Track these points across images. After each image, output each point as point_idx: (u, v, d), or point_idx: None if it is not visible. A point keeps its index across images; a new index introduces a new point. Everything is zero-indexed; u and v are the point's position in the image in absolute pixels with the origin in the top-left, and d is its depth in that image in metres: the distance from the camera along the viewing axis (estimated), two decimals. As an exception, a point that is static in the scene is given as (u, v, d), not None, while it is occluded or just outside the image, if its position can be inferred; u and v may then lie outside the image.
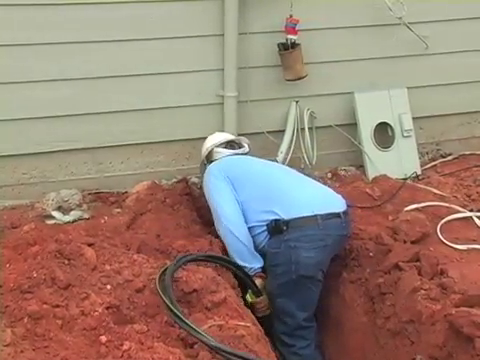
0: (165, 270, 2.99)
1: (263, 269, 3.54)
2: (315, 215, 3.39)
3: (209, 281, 3.02)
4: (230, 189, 3.55)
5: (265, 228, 3.46)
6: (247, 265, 3.49)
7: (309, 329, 3.51)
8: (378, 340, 3.31)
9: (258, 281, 3.51)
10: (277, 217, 3.41)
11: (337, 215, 3.46)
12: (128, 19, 3.96)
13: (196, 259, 3.23)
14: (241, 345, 2.71)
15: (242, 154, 3.88)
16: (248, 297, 3.48)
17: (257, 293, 3.49)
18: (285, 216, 3.39)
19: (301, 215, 3.39)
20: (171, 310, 2.76)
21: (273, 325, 3.50)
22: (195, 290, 2.99)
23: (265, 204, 3.47)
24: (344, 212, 3.51)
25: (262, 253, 3.52)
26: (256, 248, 3.52)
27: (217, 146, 3.87)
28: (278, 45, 4.16)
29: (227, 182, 3.57)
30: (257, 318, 3.32)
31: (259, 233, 3.49)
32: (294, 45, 4.13)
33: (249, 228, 3.50)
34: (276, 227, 3.40)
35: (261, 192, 3.52)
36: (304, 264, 3.34)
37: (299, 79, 4.24)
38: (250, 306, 3.44)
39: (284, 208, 3.42)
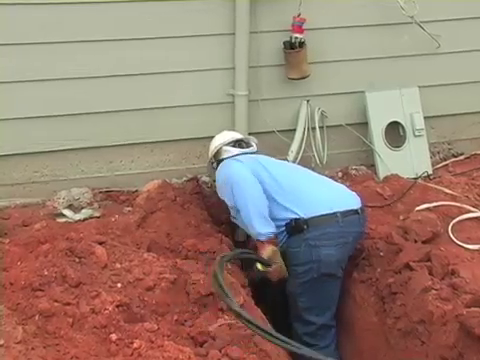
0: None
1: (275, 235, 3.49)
2: (334, 212, 3.38)
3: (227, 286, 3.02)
4: (251, 172, 3.50)
5: (284, 228, 3.44)
6: (260, 227, 3.41)
7: (331, 329, 3.51)
8: (388, 340, 3.29)
9: (270, 247, 3.41)
10: (296, 216, 3.39)
11: (355, 212, 3.46)
12: (139, 17, 3.96)
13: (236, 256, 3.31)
14: (251, 344, 2.72)
15: (250, 153, 3.86)
16: (259, 267, 3.44)
17: (265, 264, 3.43)
18: (304, 215, 3.38)
19: (320, 213, 3.38)
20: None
21: (289, 314, 3.50)
22: (212, 293, 3.00)
23: (283, 203, 3.45)
24: (361, 209, 3.50)
25: (281, 252, 3.48)
26: None
27: (226, 145, 3.85)
28: (284, 43, 4.14)
29: (248, 168, 3.53)
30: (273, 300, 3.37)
31: (278, 233, 3.46)
32: (301, 44, 4.12)
33: None
34: (296, 226, 3.39)
35: (278, 191, 3.48)
36: (325, 262, 3.34)
37: (303, 78, 4.23)
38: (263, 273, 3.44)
39: (303, 207, 3.41)
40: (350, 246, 3.48)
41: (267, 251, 3.41)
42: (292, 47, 4.13)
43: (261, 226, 3.42)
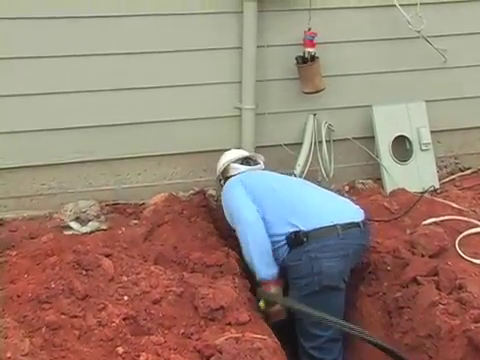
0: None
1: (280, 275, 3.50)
2: (334, 225, 3.37)
3: (233, 300, 3.04)
4: (249, 197, 3.53)
5: (285, 241, 3.43)
6: (264, 270, 3.44)
7: (338, 342, 3.48)
8: (396, 355, 3.27)
9: (276, 288, 3.45)
10: (296, 229, 3.39)
11: (356, 225, 3.44)
12: (147, 31, 3.98)
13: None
14: (257, 357, 2.71)
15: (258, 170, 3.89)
16: (261, 304, 3.46)
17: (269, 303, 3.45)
18: (304, 227, 3.37)
19: (321, 225, 3.37)
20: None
21: (296, 336, 3.48)
22: (222, 307, 3.00)
23: (284, 217, 3.45)
24: (363, 222, 3.49)
25: (282, 267, 3.48)
26: (276, 262, 3.49)
27: (233, 162, 3.89)
28: (296, 58, 4.16)
29: (247, 192, 3.56)
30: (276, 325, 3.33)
31: (279, 247, 3.45)
32: (313, 58, 4.14)
33: None
34: (296, 239, 3.38)
35: (280, 205, 3.49)
36: (327, 274, 3.32)
37: (317, 92, 4.24)
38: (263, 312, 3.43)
39: (303, 219, 3.40)
40: (351, 259, 3.45)
41: (272, 291, 3.44)
42: (304, 61, 4.14)
43: (264, 268, 3.45)
